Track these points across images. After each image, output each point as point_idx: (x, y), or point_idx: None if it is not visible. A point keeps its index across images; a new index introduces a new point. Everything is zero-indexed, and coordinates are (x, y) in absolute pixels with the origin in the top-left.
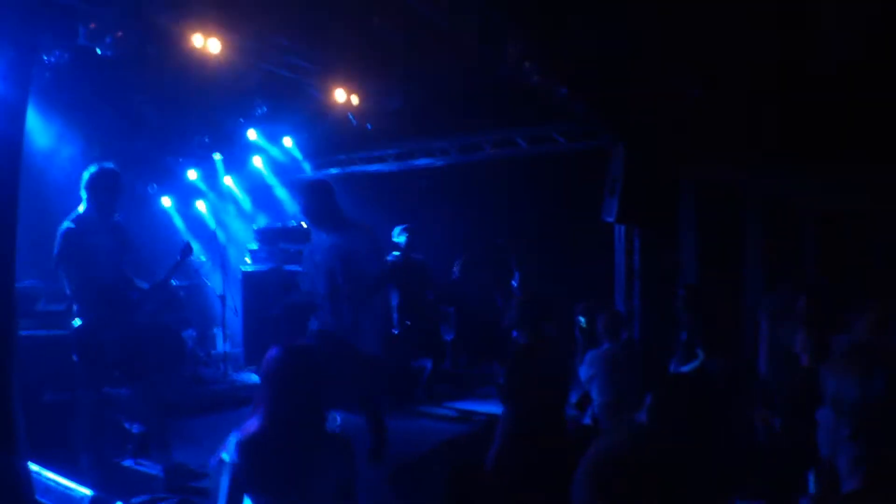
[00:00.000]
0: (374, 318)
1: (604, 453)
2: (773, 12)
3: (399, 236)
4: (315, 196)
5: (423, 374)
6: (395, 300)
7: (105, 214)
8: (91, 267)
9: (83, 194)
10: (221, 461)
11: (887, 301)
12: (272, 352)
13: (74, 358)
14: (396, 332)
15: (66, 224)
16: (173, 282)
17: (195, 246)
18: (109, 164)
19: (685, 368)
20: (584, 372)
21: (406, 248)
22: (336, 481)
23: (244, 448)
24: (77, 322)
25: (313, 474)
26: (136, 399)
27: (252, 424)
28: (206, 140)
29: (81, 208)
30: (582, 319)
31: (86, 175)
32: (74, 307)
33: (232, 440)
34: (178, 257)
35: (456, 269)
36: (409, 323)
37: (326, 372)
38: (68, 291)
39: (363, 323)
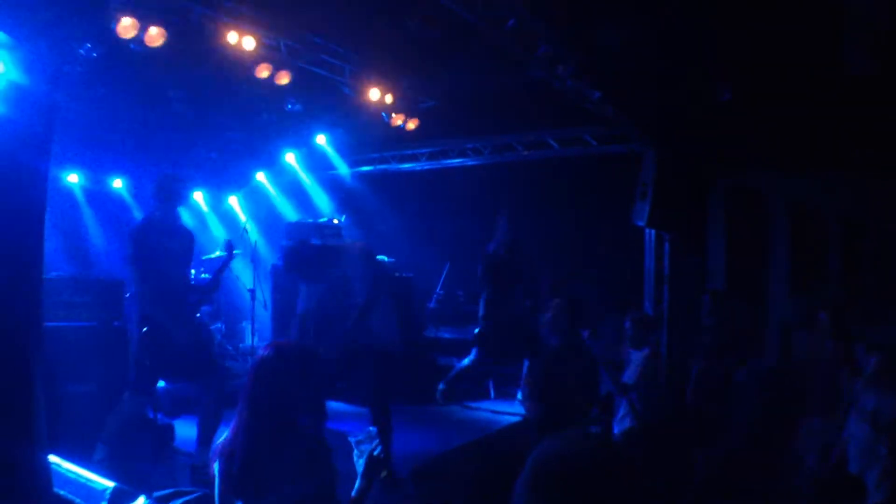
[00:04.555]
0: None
1: (545, 458)
2: (804, 18)
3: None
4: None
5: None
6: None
7: (173, 218)
8: (161, 268)
9: (155, 197)
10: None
11: None
12: (261, 350)
13: (146, 361)
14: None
15: (138, 225)
16: (205, 275)
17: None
18: (175, 172)
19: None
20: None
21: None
22: (315, 483)
23: (220, 455)
24: (145, 327)
25: (289, 477)
26: (201, 396)
27: (230, 429)
28: (237, 136)
29: (154, 211)
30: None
31: (157, 181)
32: (137, 309)
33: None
34: (225, 255)
35: None
36: None
37: (309, 372)
38: (136, 292)
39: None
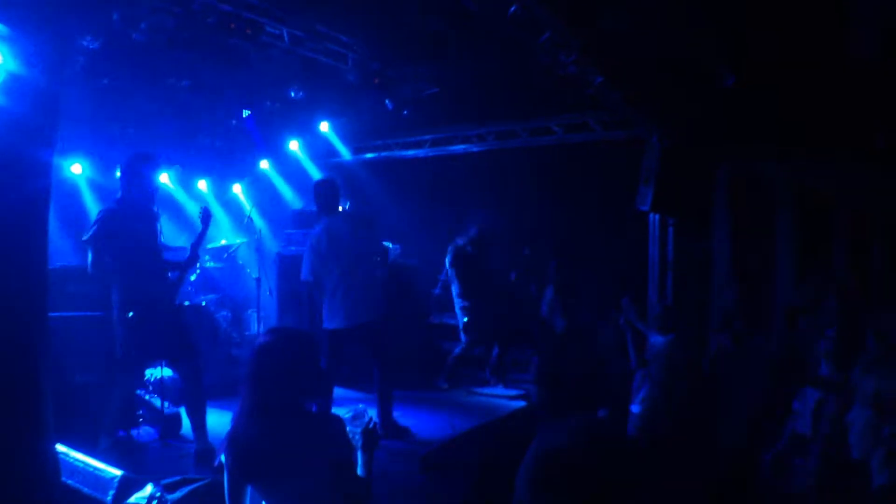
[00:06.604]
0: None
1: (546, 447)
2: (809, 2)
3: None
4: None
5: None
6: None
7: (145, 199)
8: (131, 251)
9: (121, 179)
10: (220, 463)
11: None
12: (261, 336)
13: (132, 351)
14: None
15: (107, 206)
16: (210, 264)
17: (231, 230)
18: (146, 150)
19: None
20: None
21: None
22: (329, 461)
23: (230, 442)
24: (129, 314)
25: (302, 457)
26: (181, 382)
27: (235, 416)
28: (242, 125)
29: (120, 194)
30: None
31: (125, 161)
32: (115, 297)
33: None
34: (200, 226)
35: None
36: None
37: (308, 355)
38: (97, 273)
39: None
